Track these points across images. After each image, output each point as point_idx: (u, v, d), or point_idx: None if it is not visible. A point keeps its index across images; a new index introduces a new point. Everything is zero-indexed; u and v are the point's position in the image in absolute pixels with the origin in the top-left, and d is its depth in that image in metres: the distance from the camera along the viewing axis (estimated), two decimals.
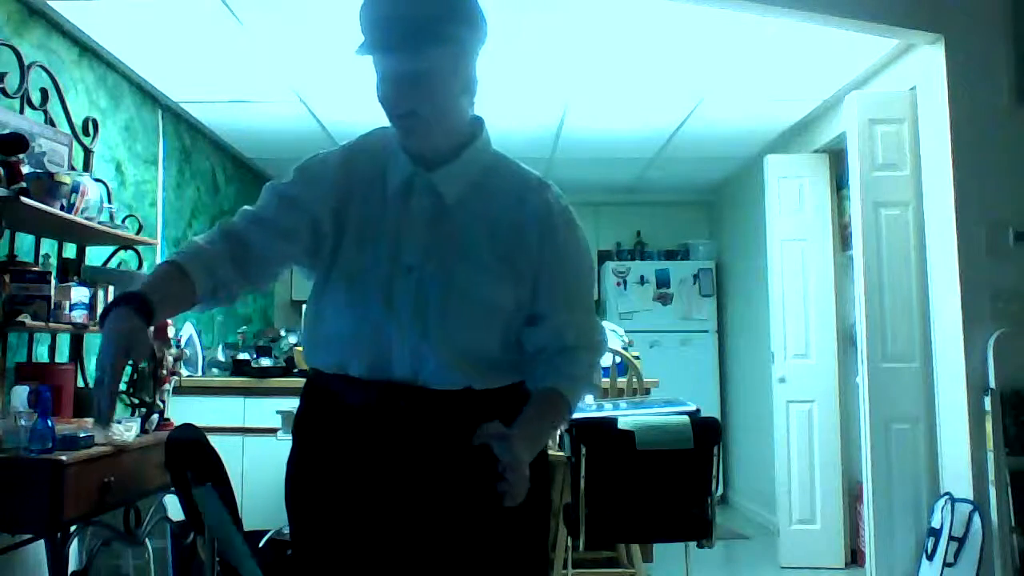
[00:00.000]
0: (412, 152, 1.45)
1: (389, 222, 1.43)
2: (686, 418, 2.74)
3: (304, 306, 5.12)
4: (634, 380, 3.82)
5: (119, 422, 2.86)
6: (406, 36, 1.33)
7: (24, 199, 2.56)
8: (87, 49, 3.65)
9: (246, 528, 2.88)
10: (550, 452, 1.54)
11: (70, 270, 3.19)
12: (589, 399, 3.21)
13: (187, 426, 2.88)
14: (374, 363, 1.41)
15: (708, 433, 2.72)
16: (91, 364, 3.55)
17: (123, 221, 3.42)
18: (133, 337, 1.22)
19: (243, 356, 4.33)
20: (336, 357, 1.44)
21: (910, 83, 3.68)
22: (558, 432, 3.10)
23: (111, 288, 3.12)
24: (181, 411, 3.43)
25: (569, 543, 2.91)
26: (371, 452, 1.43)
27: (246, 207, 1.48)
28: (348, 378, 1.43)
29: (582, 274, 1.53)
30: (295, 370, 4.26)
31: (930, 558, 3.28)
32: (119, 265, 3.53)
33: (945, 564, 3.18)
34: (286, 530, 2.80)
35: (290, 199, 1.45)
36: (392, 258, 1.41)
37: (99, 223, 3.07)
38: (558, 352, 1.47)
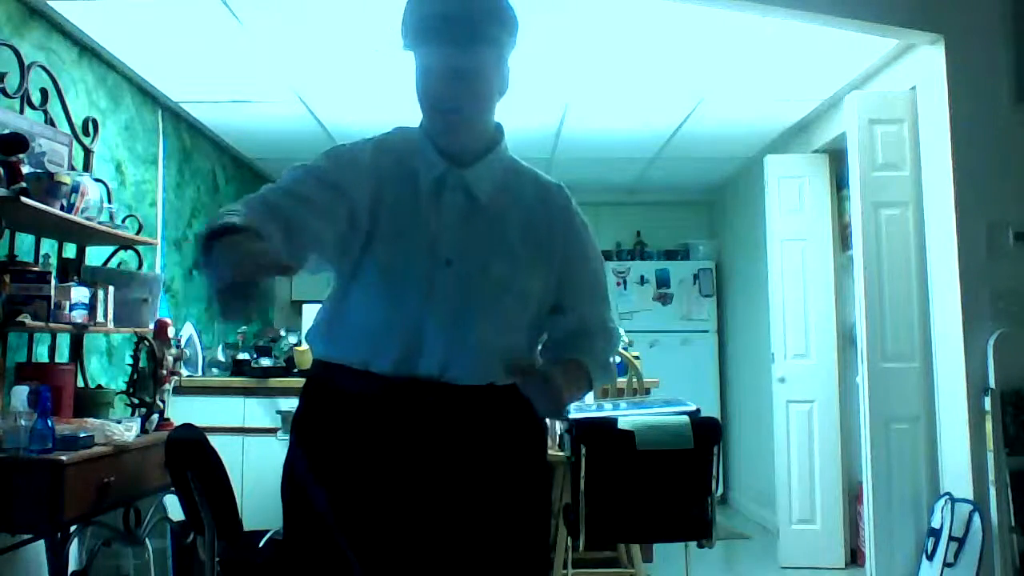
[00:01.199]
0: (445, 150, 1.47)
1: (423, 217, 1.45)
2: (686, 418, 2.74)
3: (304, 306, 5.09)
4: (634, 380, 3.82)
5: (118, 422, 2.86)
6: (458, 33, 1.38)
7: (24, 199, 2.56)
8: (87, 49, 3.64)
9: (246, 528, 2.88)
10: (550, 452, 1.55)
11: (70, 270, 3.18)
12: (589, 399, 3.21)
13: (187, 426, 2.88)
14: (402, 358, 1.41)
15: (708, 433, 2.72)
16: (91, 364, 3.55)
17: (123, 221, 3.42)
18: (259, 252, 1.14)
19: (243, 356, 4.33)
20: (362, 351, 1.43)
21: (910, 83, 3.68)
22: (558, 432, 3.10)
23: (111, 288, 3.12)
24: (181, 411, 3.43)
25: (569, 543, 2.91)
26: (386, 447, 1.43)
27: (270, 184, 1.42)
28: (368, 374, 1.43)
29: (600, 268, 1.62)
30: (295, 370, 4.25)
31: (930, 558, 3.28)
32: (119, 265, 3.53)
33: (945, 564, 3.18)
34: None
35: (328, 182, 1.41)
36: (429, 253, 1.43)
37: (99, 223, 3.07)
38: (580, 336, 1.57)
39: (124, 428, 2.79)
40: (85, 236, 3.20)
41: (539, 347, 1.61)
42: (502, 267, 1.45)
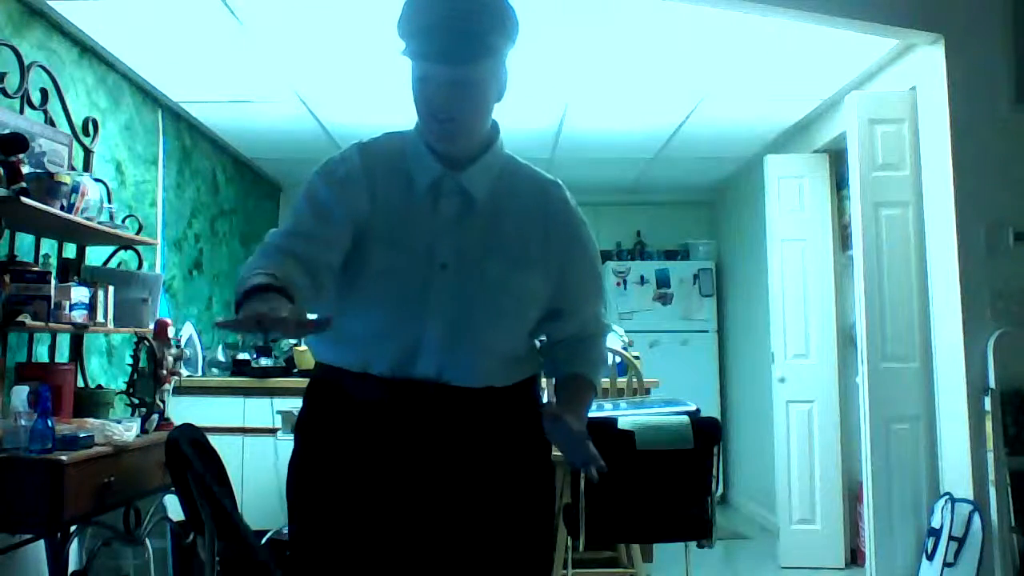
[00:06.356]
0: (441, 154, 1.46)
1: (419, 221, 1.44)
2: (686, 418, 2.74)
3: None
4: (634, 380, 3.81)
5: (118, 422, 2.86)
6: (458, 47, 1.35)
7: (24, 199, 2.56)
8: (87, 49, 3.64)
9: None
10: (553, 452, 1.55)
11: (70, 270, 3.18)
12: None
13: (187, 426, 2.88)
14: (399, 360, 1.41)
15: (708, 433, 2.72)
16: (91, 364, 3.55)
17: (123, 221, 3.42)
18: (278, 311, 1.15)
19: (243, 356, 4.33)
20: (360, 355, 1.44)
21: (910, 83, 3.68)
22: None
23: (111, 288, 3.11)
24: (181, 411, 3.43)
25: (569, 543, 2.91)
26: (388, 449, 1.43)
27: (278, 230, 1.44)
28: (368, 376, 1.43)
29: (598, 268, 1.62)
30: (295, 370, 4.26)
31: (930, 558, 3.28)
32: (119, 265, 3.53)
33: (945, 564, 3.18)
34: (287, 530, 2.80)
35: (329, 211, 1.42)
36: (426, 256, 1.42)
37: (99, 223, 3.07)
38: (581, 340, 1.57)
39: (124, 428, 2.79)
40: (85, 236, 3.20)
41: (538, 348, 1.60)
42: (499, 268, 1.44)
